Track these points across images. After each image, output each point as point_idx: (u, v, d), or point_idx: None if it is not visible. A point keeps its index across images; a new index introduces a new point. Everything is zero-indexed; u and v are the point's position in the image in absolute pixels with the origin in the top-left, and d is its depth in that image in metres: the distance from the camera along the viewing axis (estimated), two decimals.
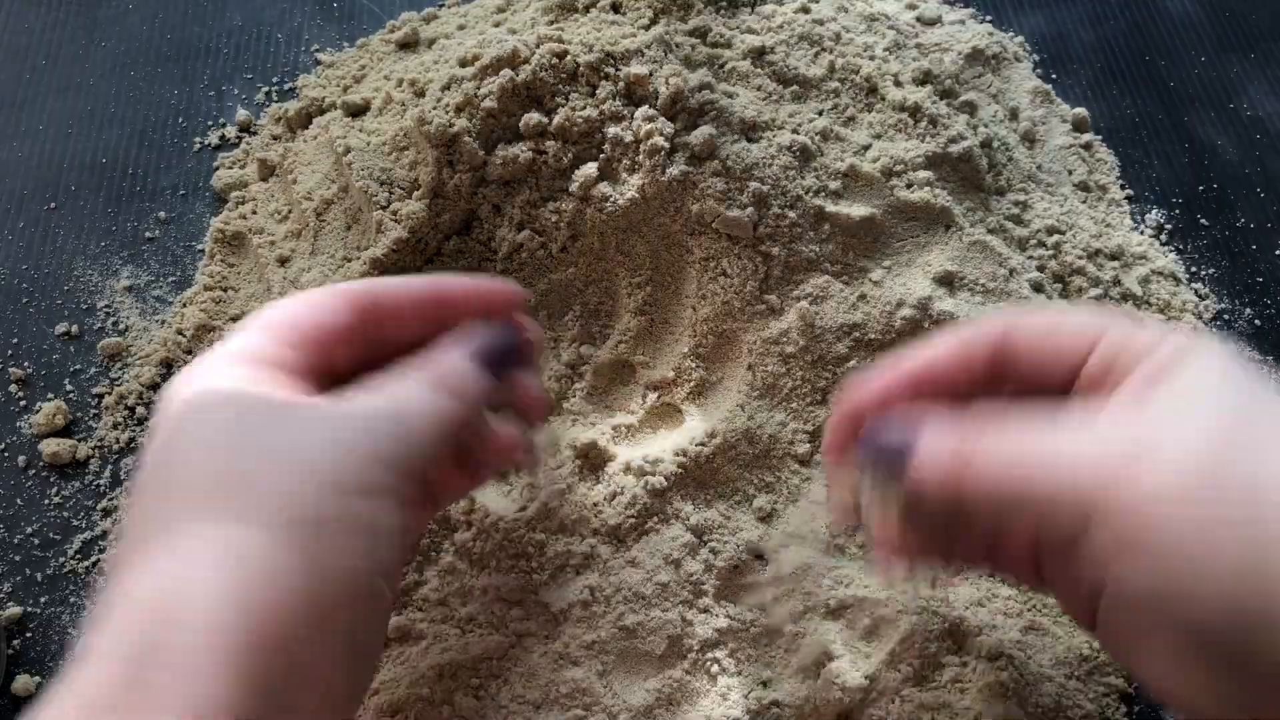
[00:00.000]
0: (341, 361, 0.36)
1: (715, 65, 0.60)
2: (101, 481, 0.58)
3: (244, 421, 0.30)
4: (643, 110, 0.56)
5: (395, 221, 0.58)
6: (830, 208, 0.57)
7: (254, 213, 0.68)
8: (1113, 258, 0.65)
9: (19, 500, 0.58)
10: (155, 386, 0.62)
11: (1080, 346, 0.32)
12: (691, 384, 0.56)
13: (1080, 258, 0.63)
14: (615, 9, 0.63)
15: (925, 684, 0.49)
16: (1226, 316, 0.66)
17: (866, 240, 0.58)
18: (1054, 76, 0.78)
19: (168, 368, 0.62)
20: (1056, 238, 0.63)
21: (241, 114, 0.73)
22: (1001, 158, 0.64)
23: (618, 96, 0.57)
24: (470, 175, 0.58)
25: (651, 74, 0.57)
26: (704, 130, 0.56)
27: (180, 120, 0.73)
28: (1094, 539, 0.26)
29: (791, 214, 0.56)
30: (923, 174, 0.59)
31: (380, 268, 0.57)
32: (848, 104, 0.61)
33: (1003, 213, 0.62)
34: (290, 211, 0.66)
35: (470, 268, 0.60)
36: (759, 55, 0.61)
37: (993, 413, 0.32)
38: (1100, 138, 0.74)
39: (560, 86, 0.58)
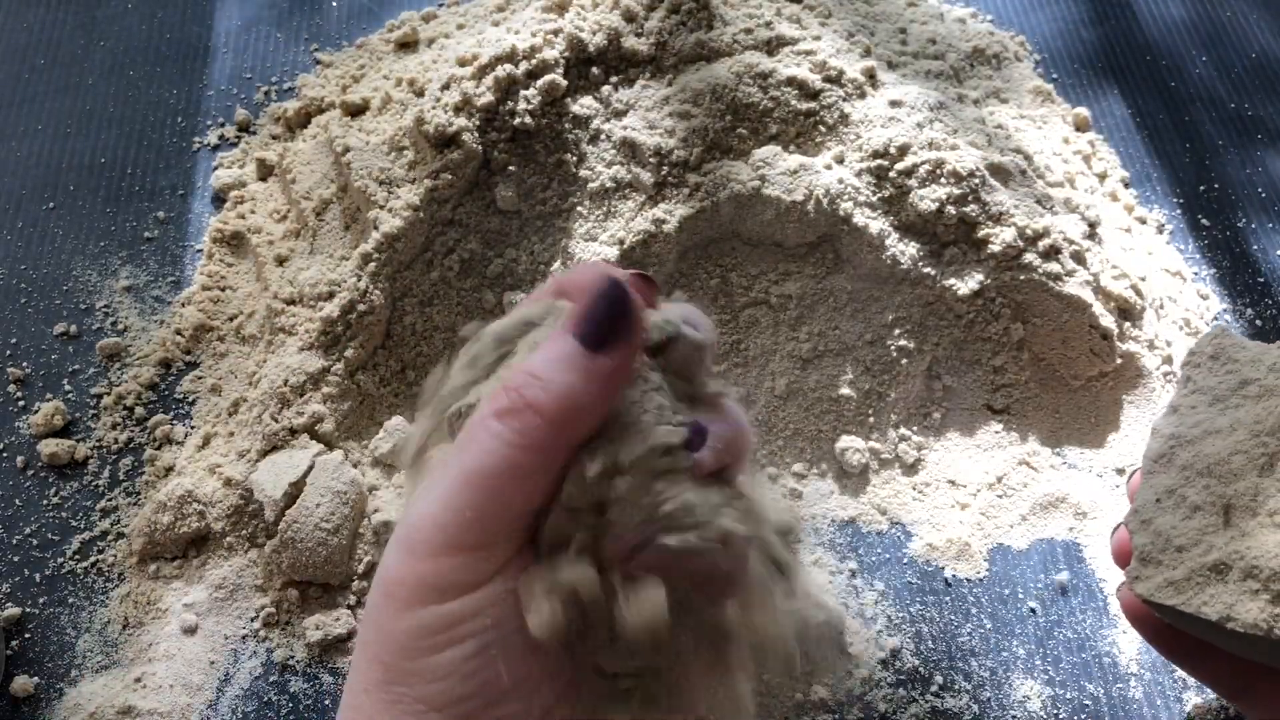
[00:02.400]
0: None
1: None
2: (100, 482, 0.58)
3: None
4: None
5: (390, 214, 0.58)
6: None
7: (253, 212, 0.67)
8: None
9: (17, 500, 0.57)
10: (154, 386, 0.61)
11: None
12: None
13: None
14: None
15: None
16: (1228, 316, 0.66)
17: None
18: (1055, 76, 0.77)
19: (166, 368, 0.62)
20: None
21: (240, 113, 0.73)
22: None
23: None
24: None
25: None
26: None
27: (179, 120, 0.73)
28: None
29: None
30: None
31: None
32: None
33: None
34: (289, 211, 0.66)
35: (466, 261, 0.60)
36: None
37: None
38: (1101, 137, 0.74)
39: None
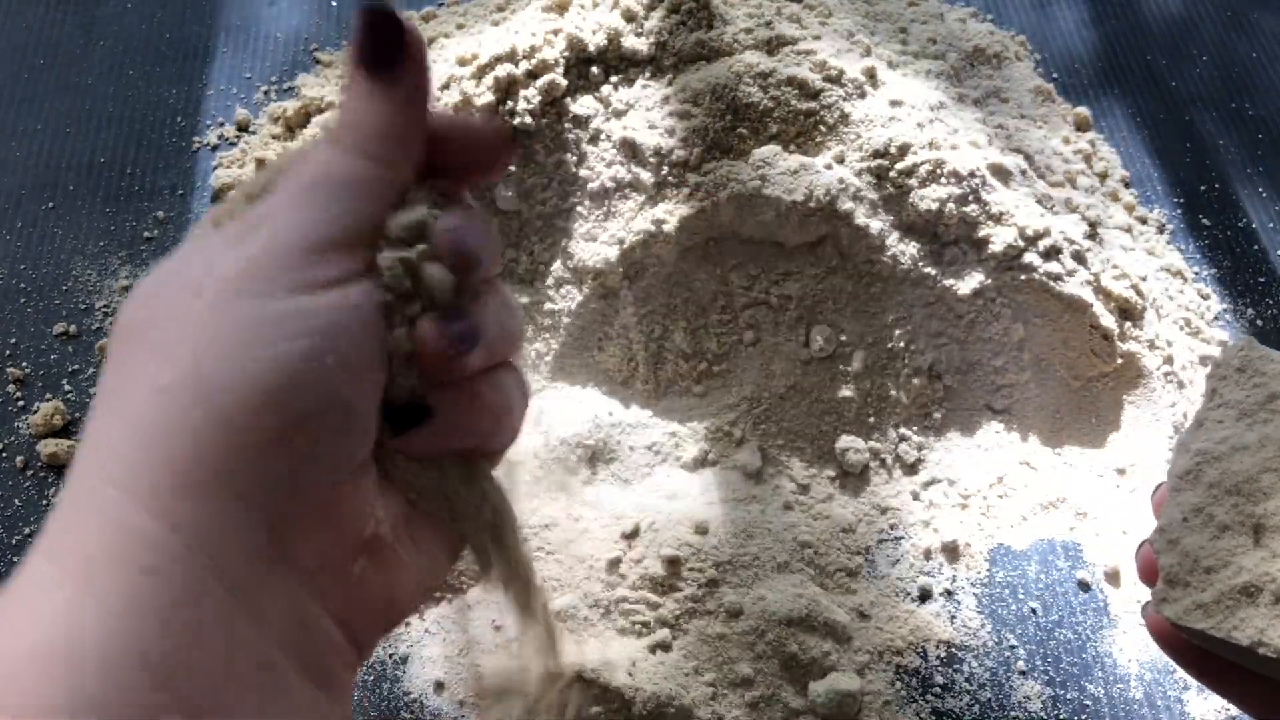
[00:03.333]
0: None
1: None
2: None
3: None
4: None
5: None
6: None
7: None
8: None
9: (17, 501, 0.57)
10: None
11: None
12: None
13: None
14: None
15: None
16: (1228, 316, 0.66)
17: None
18: (1055, 75, 0.77)
19: None
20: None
21: (240, 113, 0.73)
22: None
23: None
24: None
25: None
26: None
27: (178, 120, 0.73)
28: None
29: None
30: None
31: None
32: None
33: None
34: None
35: None
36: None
37: None
38: (1102, 136, 0.74)
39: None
